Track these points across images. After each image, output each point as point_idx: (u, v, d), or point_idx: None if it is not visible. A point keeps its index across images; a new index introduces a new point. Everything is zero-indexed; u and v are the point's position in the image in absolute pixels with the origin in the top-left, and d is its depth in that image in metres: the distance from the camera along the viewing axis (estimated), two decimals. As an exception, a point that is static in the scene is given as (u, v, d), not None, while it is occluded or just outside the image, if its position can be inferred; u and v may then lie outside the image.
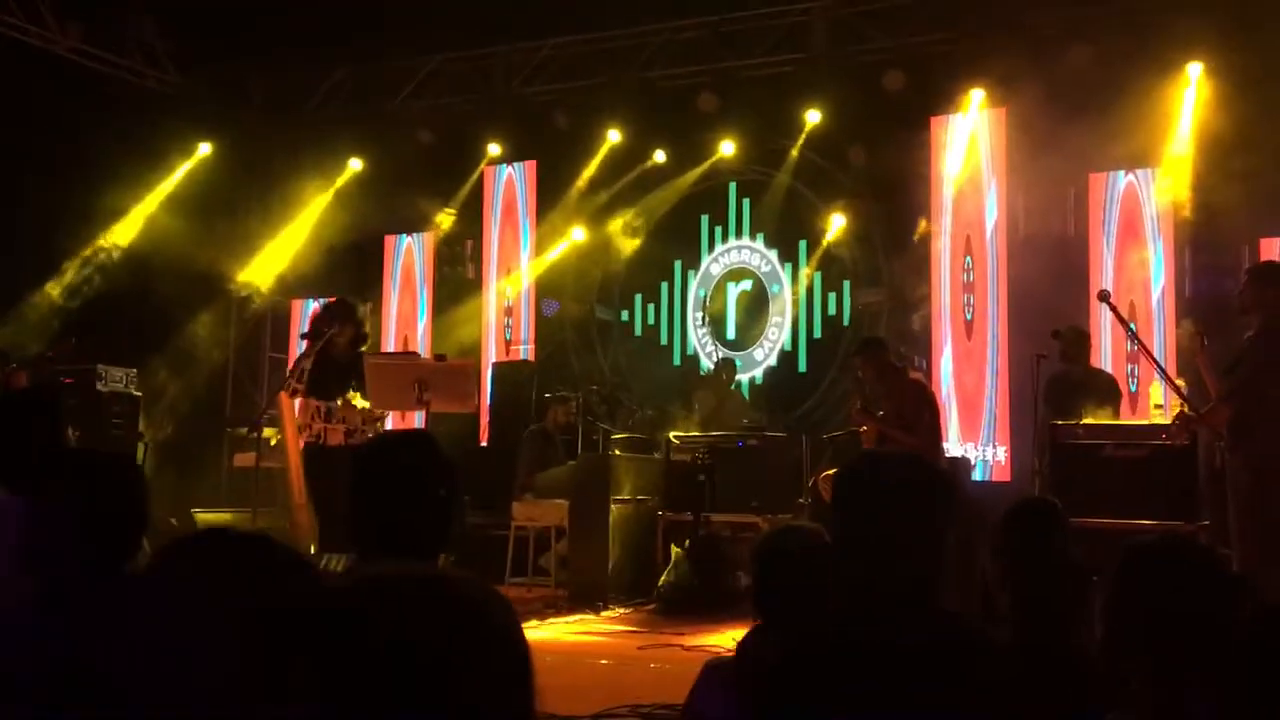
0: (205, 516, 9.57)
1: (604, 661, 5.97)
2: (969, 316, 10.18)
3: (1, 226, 10.12)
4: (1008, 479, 9.55)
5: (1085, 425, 6.91)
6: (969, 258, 10.21)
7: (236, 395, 12.43)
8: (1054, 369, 7.67)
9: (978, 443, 9.89)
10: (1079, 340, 7.80)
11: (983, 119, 10.14)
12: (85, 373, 9.44)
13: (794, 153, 10.89)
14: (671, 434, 8.14)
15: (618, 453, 8.21)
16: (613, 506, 7.78)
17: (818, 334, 11.25)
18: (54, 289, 10.77)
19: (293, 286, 12.19)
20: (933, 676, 2.08)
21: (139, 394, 9.83)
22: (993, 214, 10.12)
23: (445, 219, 11.75)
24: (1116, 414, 7.47)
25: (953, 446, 9.60)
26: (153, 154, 11.28)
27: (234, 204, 12.24)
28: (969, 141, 10.19)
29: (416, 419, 11.22)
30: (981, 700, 2.11)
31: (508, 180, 12.00)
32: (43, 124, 10.13)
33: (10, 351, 8.03)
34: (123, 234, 11.34)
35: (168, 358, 11.38)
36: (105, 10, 10.69)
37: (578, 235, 11.57)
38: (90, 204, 10.83)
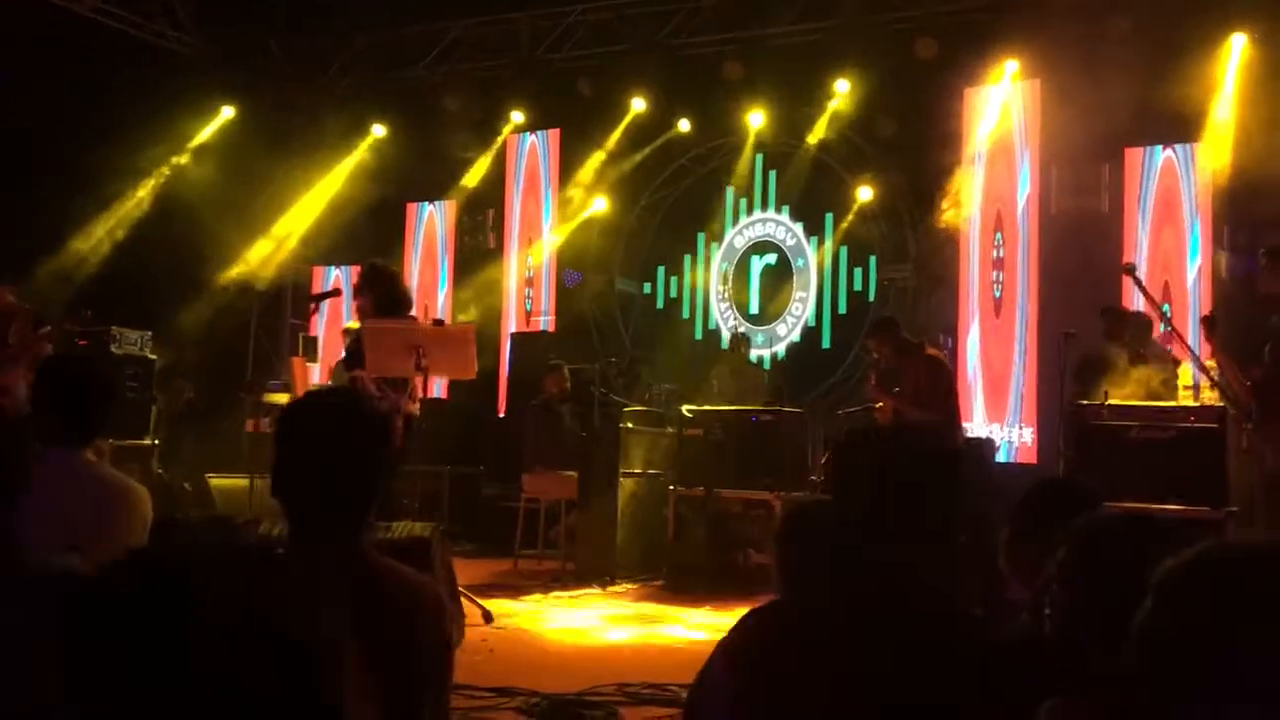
0: (219, 482, 9.52)
1: (607, 638, 5.83)
2: (998, 294, 9.92)
3: (24, 188, 10.09)
4: (1034, 460, 9.31)
5: (1110, 406, 6.67)
6: (999, 234, 9.94)
7: (258, 361, 12.38)
8: (1087, 347, 7.43)
9: (1004, 423, 9.65)
10: (1113, 319, 7.55)
11: (1016, 91, 9.85)
12: (100, 334, 9.38)
13: (822, 123, 10.63)
14: (684, 408, 7.96)
15: (630, 425, 8.05)
16: (622, 480, 7.63)
17: (843, 309, 11.04)
18: (77, 250, 10.73)
19: (314, 253, 12.11)
20: (920, 668, 1.95)
21: (154, 357, 9.76)
22: (1025, 189, 9.84)
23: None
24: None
25: (978, 427, 9.38)
26: (175, 116, 11.22)
27: (256, 168, 12.13)
28: (1001, 114, 9.90)
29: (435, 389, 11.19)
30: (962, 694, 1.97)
31: (531, 148, 11.83)
32: (65, 84, 10.07)
33: (40, 313, 7.95)
34: (145, 196, 11.29)
35: (188, 321, 11.33)
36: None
37: (600, 205, 11.39)
38: (113, 165, 10.76)
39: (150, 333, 9.91)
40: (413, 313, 6.51)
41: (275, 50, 12.22)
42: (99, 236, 10.86)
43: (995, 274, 9.92)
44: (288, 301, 12.52)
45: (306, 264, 12.26)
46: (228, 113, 11.80)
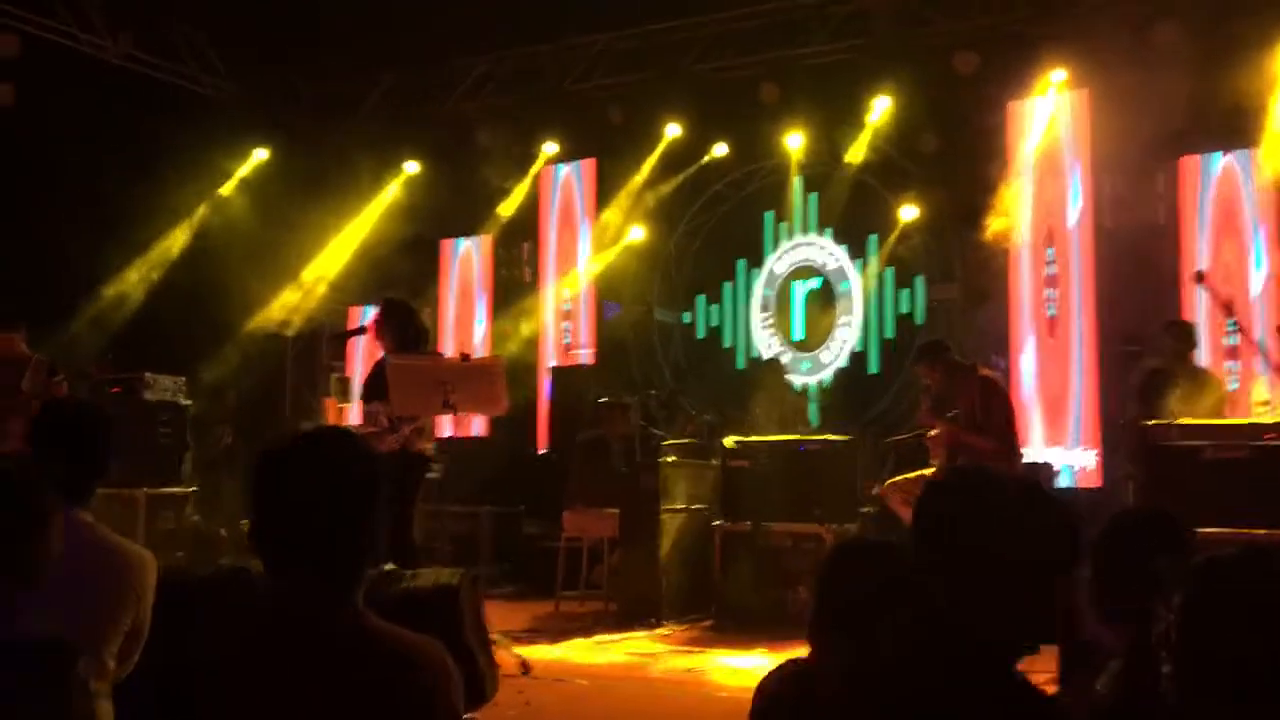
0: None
1: (653, 685, 5.52)
2: (1052, 312, 9.54)
3: (55, 234, 10.04)
4: (1098, 484, 8.90)
5: (1180, 425, 6.29)
6: (1051, 249, 9.57)
7: (295, 404, 12.23)
8: (1149, 364, 7.08)
9: (1064, 446, 9.24)
10: (1182, 334, 7.19)
11: (1063, 102, 9.51)
12: (132, 381, 9.27)
13: (862, 143, 10.34)
14: (727, 439, 7.66)
15: (671, 459, 7.75)
16: (665, 516, 7.33)
17: (890, 333, 10.71)
18: (111, 295, 10.66)
19: (349, 293, 11.97)
20: None
21: (188, 403, 9.63)
22: (1076, 203, 9.47)
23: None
24: (1219, 413, 6.82)
25: (1036, 451, 8.99)
26: (209, 159, 11.16)
27: (289, 209, 12.05)
28: (1048, 126, 9.56)
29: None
30: None
31: (565, 179, 11.65)
32: (100, 131, 10.04)
33: (55, 364, 7.83)
34: (179, 240, 11.23)
35: (223, 366, 11.22)
36: (155, 17, 10.57)
37: (636, 234, 11.17)
38: (148, 209, 10.72)
39: (184, 379, 9.79)
40: (431, 348, 6.32)
41: (306, 91, 12.17)
42: (133, 281, 10.79)
43: (1048, 291, 9.55)
44: (322, 343, 12.37)
45: (342, 304, 12.12)
46: (261, 155, 11.73)
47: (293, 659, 1.80)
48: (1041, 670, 5.52)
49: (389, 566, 4.50)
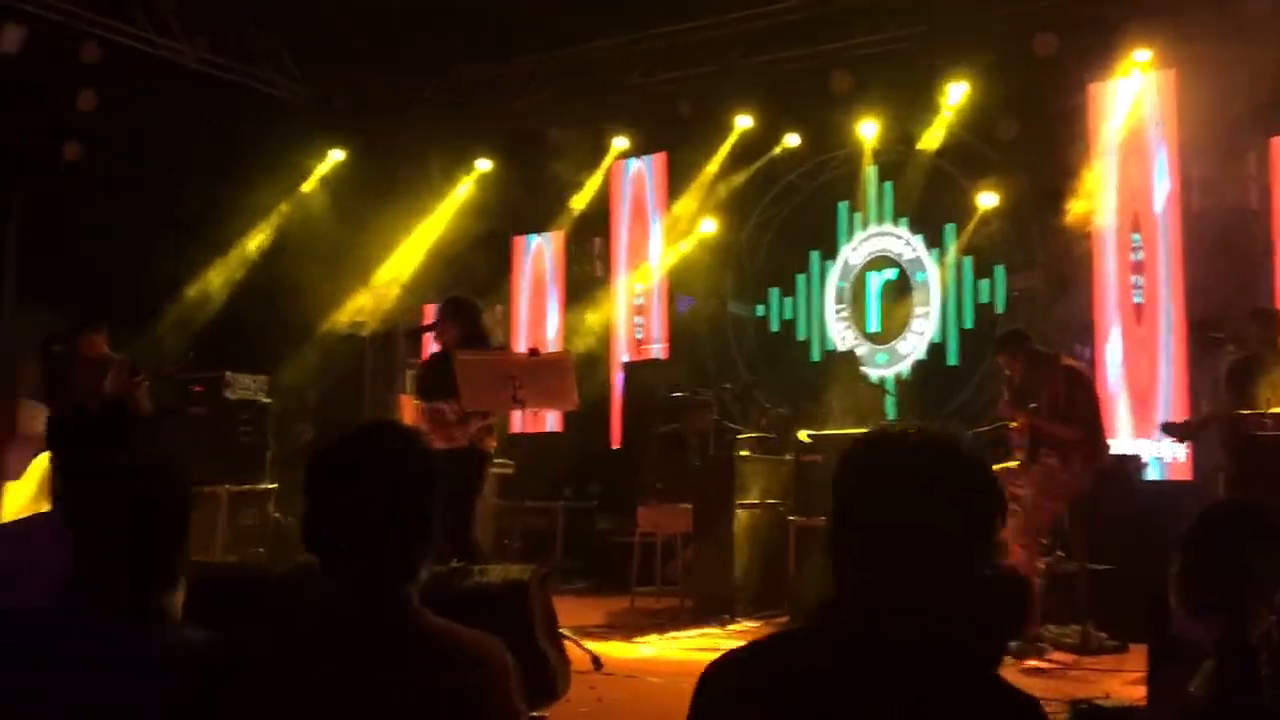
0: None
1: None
2: (1138, 299, 9.24)
3: (138, 237, 10.27)
4: (1189, 477, 8.60)
5: (1273, 415, 6.03)
6: (1136, 235, 9.27)
7: (373, 401, 12.36)
8: (1239, 352, 6.81)
9: (1153, 437, 8.94)
10: (1268, 321, 6.91)
11: (1148, 82, 9.20)
12: (213, 380, 9.43)
13: (937, 129, 10.12)
14: (801, 433, 7.54)
15: (744, 454, 7.66)
16: (739, 512, 7.24)
17: (969, 323, 10.48)
18: (193, 297, 10.87)
19: (424, 291, 12.05)
20: None
21: (268, 401, 9.77)
22: (1162, 186, 9.16)
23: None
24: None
25: (1123, 442, 8.71)
26: (286, 161, 11.31)
27: (364, 209, 12.19)
28: (1132, 108, 9.26)
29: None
30: None
31: (636, 174, 11.60)
32: (176, 135, 10.24)
33: (137, 364, 7.99)
34: (258, 242, 11.41)
35: (303, 364, 11.38)
36: (230, 21, 10.74)
37: (708, 227, 11.08)
38: (227, 212, 10.92)
39: (264, 377, 9.94)
40: (495, 347, 6.30)
41: (378, 91, 12.27)
42: (213, 283, 10.98)
43: (1134, 278, 9.25)
44: (398, 340, 12.48)
45: (417, 303, 12.21)
46: (336, 155, 11.87)
47: (345, 656, 1.77)
48: (1131, 669, 5.31)
49: (456, 563, 4.49)
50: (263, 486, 9.19)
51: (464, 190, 11.91)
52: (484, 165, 11.85)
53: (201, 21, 10.59)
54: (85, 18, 9.66)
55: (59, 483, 2.59)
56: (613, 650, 6.00)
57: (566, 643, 5.35)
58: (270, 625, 1.93)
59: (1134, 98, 9.21)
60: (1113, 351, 9.21)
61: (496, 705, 1.84)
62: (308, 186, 11.75)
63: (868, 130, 10.39)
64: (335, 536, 1.82)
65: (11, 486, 5.77)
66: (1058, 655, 6.03)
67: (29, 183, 9.72)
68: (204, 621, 2.05)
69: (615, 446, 10.69)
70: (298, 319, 11.32)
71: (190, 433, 9.32)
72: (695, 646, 6.37)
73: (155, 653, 1.87)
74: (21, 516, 3.98)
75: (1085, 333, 9.31)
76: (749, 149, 10.89)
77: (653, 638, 6.60)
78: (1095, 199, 9.22)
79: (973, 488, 1.56)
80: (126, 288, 10.05)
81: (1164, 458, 8.89)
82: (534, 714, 4.27)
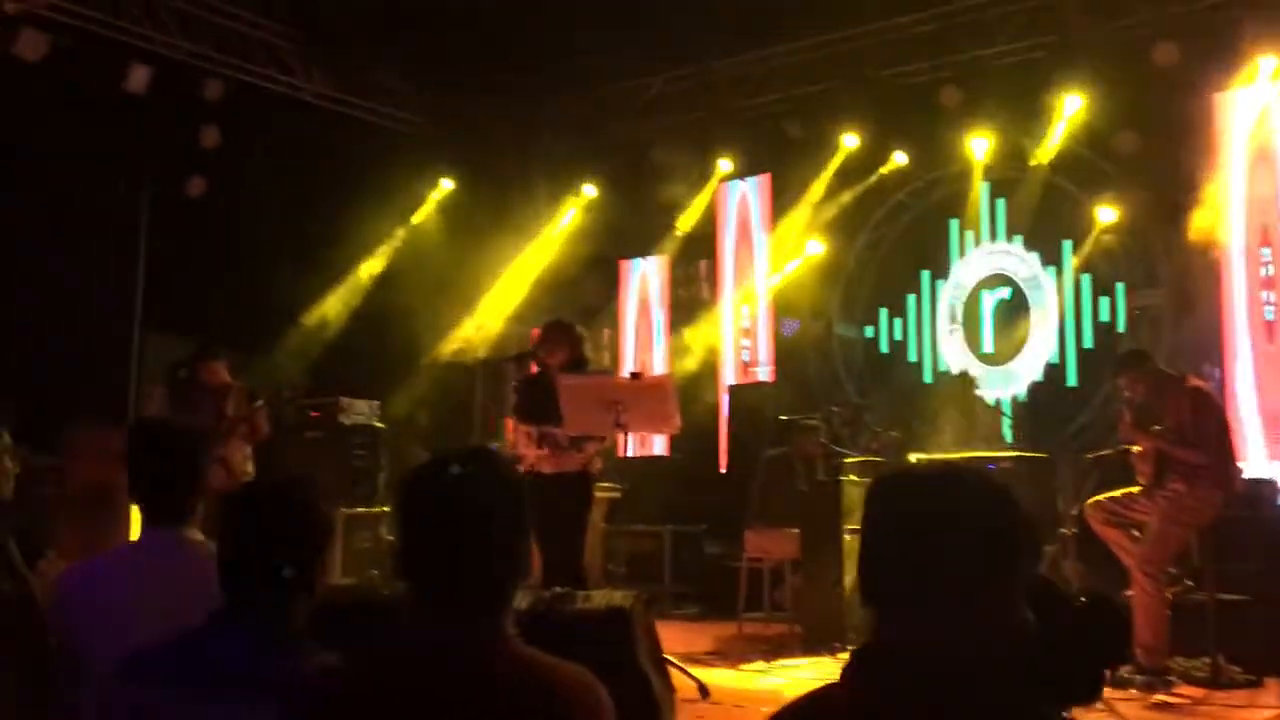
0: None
1: None
2: (1269, 316, 8.84)
3: (258, 266, 10.60)
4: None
5: None
6: (1266, 249, 8.88)
7: (484, 424, 12.52)
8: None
9: (1286, 461, 8.52)
10: None
11: (1275, 91, 8.81)
12: (329, 406, 9.67)
13: (1053, 144, 9.85)
14: (910, 456, 7.37)
15: (852, 478, 7.51)
16: (847, 537, 7.09)
17: (1088, 343, 10.15)
18: (308, 323, 11.16)
19: (532, 315, 12.18)
20: None
21: (381, 425, 9.97)
22: (1293, 199, 8.76)
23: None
24: None
25: (1256, 467, 8.31)
26: (398, 191, 11.58)
27: (474, 236, 12.39)
28: (1259, 118, 8.88)
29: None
30: None
31: (740, 196, 11.55)
32: (295, 166, 10.56)
33: (256, 390, 8.23)
34: (371, 269, 11.67)
35: (416, 388, 11.58)
36: (347, 58, 11.04)
37: (815, 248, 10.96)
38: (342, 241, 11.20)
39: (377, 402, 10.15)
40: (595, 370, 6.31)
41: (487, 120, 12.48)
42: (330, 310, 11.26)
43: (1265, 293, 8.84)
44: (506, 365, 12.62)
45: (525, 327, 12.35)
46: (447, 184, 12.10)
47: (431, 686, 1.76)
48: (1265, 704, 5.02)
49: (562, 589, 4.48)
50: (377, 509, 9.35)
51: (570, 216, 12.01)
52: (590, 191, 11.94)
53: (319, 57, 10.91)
54: (208, 57, 10.05)
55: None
56: (720, 678, 5.92)
57: (673, 670, 5.30)
58: (367, 652, 1.94)
59: (1260, 107, 8.83)
60: (1242, 371, 8.81)
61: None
62: (420, 215, 12.00)
63: (979, 146, 10.16)
64: (424, 564, 1.81)
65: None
66: (1186, 689, 5.75)
67: (156, 216, 10.11)
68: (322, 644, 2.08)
69: (722, 470, 10.62)
70: (410, 345, 11.55)
71: (307, 456, 9.57)
72: (804, 676, 6.25)
73: (295, 675, 1.90)
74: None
75: (1212, 352, 8.92)
76: (856, 168, 10.76)
77: (760, 664, 6.51)
78: (1220, 213, 8.86)
79: (998, 524, 1.54)
80: (248, 315, 10.39)
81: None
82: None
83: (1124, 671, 5.68)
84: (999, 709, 1.50)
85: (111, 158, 9.48)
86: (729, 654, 6.90)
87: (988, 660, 1.50)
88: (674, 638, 7.29)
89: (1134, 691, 5.57)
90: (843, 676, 1.60)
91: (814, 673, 6.35)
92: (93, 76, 9.06)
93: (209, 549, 2.73)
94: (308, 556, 2.08)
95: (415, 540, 1.82)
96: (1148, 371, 6.27)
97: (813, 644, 6.95)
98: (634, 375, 5.58)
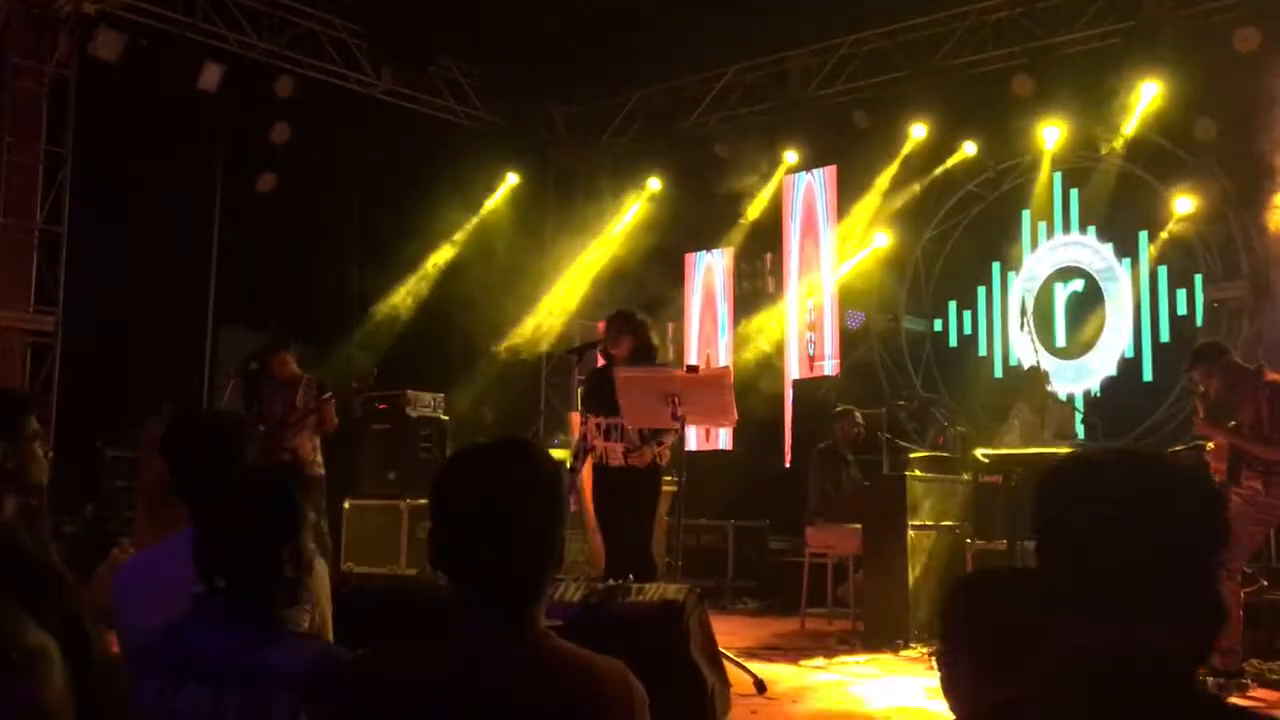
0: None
1: (889, 711, 5.25)
2: (1356, 309, 8.53)
3: (328, 260, 10.77)
4: None
5: None
6: (1353, 240, 8.57)
7: (549, 419, 12.59)
8: None
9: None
10: None
11: (1362, 74, 8.49)
12: (396, 398, 9.79)
13: (1128, 132, 9.61)
14: (978, 451, 7.24)
15: (917, 473, 7.41)
16: (911, 533, 6.99)
17: (1165, 337, 9.88)
18: (377, 317, 11.29)
19: (598, 309, 12.21)
20: None
21: (446, 418, 10.07)
22: (1382, 186, 8.43)
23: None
24: None
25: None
26: (465, 186, 11.66)
27: (541, 230, 12.46)
28: (1346, 102, 8.56)
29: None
30: None
31: (806, 188, 11.45)
32: (368, 162, 10.71)
33: (325, 382, 8.35)
34: (439, 264, 11.77)
35: (482, 382, 11.68)
36: (413, 53, 11.14)
37: (881, 240, 10.82)
38: (411, 236, 11.32)
39: (442, 395, 10.26)
40: (664, 362, 6.28)
41: (553, 116, 12.53)
42: (398, 304, 11.39)
43: (1351, 286, 8.54)
44: (575, 361, 12.66)
45: (591, 320, 12.38)
46: (513, 179, 12.16)
47: (463, 678, 1.75)
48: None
49: (614, 582, 4.47)
50: (441, 501, 9.40)
51: (636, 209, 12.01)
52: (655, 185, 11.92)
53: (387, 54, 11.02)
54: (279, 54, 10.22)
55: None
56: (778, 674, 5.88)
57: (730, 664, 5.27)
58: (404, 642, 1.95)
59: (1348, 91, 8.52)
60: (1328, 366, 8.50)
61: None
62: (487, 210, 12.07)
63: (1050, 135, 9.95)
64: (453, 555, 1.81)
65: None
66: (1261, 692, 5.58)
67: (229, 212, 10.32)
68: (381, 632, 2.07)
69: (787, 465, 10.54)
70: (477, 339, 11.65)
71: (374, 448, 9.70)
72: (865, 673, 6.18)
73: (278, 665, 1.91)
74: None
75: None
76: (924, 159, 10.60)
77: (820, 660, 6.44)
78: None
79: (1199, 511, 1.44)
80: (320, 309, 10.56)
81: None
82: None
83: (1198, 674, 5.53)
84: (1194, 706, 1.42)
85: (185, 155, 9.69)
86: (789, 649, 6.84)
87: (1186, 659, 1.44)
88: (735, 632, 7.28)
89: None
90: (1036, 688, 1.49)
91: (874, 669, 6.27)
92: (167, 75, 9.26)
93: None
94: (278, 545, 2.07)
95: (445, 530, 1.82)
96: (1223, 365, 6.09)
97: (875, 640, 6.87)
98: (691, 369, 5.55)
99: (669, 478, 6.69)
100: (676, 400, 5.05)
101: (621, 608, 4.23)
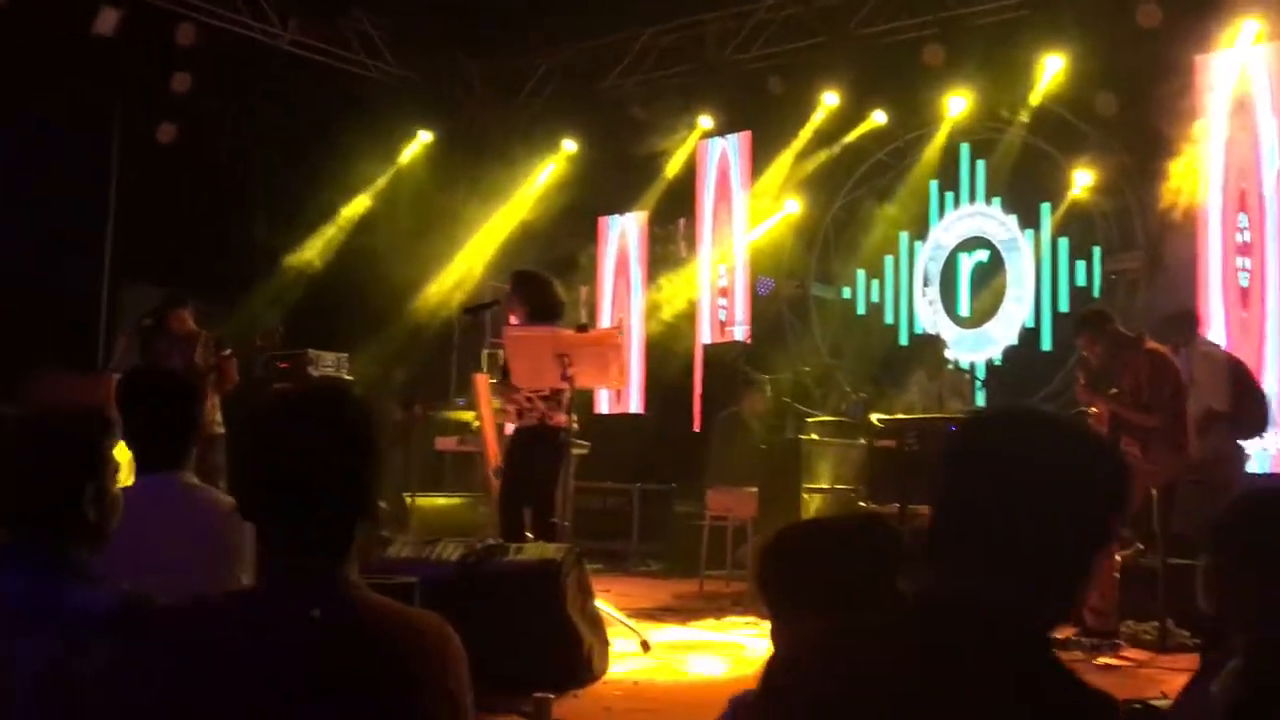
0: (422, 501, 9.55)
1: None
2: (1244, 282, 8.78)
3: (231, 215, 10.53)
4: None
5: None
6: (1243, 215, 8.80)
7: (461, 381, 12.48)
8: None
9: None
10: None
11: (1256, 55, 8.70)
12: (298, 357, 9.63)
13: (1032, 104, 9.74)
14: (874, 416, 7.35)
15: (813, 437, 7.49)
16: (806, 497, 7.08)
17: (1064, 307, 10.10)
18: (281, 274, 11.08)
19: (509, 270, 12.11)
20: None
21: (350, 378, 9.94)
22: (1272, 164, 8.66)
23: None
24: None
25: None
26: (375, 142, 11.45)
27: (453, 190, 12.29)
28: (1239, 81, 8.77)
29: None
30: None
31: (721, 154, 11.45)
32: (273, 115, 10.47)
33: (223, 339, 8.19)
34: (346, 221, 11.58)
35: (391, 343, 11.54)
36: (323, 4, 10.90)
37: (792, 207, 10.87)
38: (317, 191, 11.12)
39: (346, 355, 10.11)
40: (585, 322, 6.25)
41: (467, 74, 12.35)
42: (305, 261, 11.20)
43: (1240, 260, 8.78)
44: (487, 321, 12.57)
45: (503, 282, 12.28)
46: (425, 137, 11.99)
47: (268, 632, 1.72)
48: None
49: (490, 542, 4.46)
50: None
51: (551, 170, 11.91)
52: (570, 147, 11.83)
53: (294, 4, 10.76)
54: (183, 2, 9.91)
55: None
56: (666, 634, 5.93)
57: (619, 625, 5.31)
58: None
59: (1241, 71, 8.72)
60: (1216, 337, 8.76)
61: (433, 686, 1.77)
62: (397, 168, 11.89)
63: (958, 106, 10.05)
64: (261, 506, 1.77)
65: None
66: (1132, 652, 5.76)
67: (127, 164, 10.02)
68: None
69: (696, 429, 10.60)
70: (386, 299, 11.49)
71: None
72: (752, 633, 6.26)
73: (78, 608, 1.86)
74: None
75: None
76: (836, 127, 10.65)
77: (709, 622, 6.51)
78: (1199, 177, 8.77)
79: (1103, 473, 1.45)
80: (225, 263, 10.33)
81: (1269, 450, 8.43)
82: (571, 693, 4.23)
83: (1070, 634, 5.69)
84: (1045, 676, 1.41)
85: (79, 103, 9.38)
86: (683, 611, 6.91)
87: (1036, 614, 1.42)
88: (634, 594, 7.34)
89: (1079, 654, 5.58)
90: (892, 629, 1.47)
91: (759, 630, 6.35)
92: (59, 18, 8.93)
93: (206, 493, 2.72)
94: (71, 489, 2.03)
95: (248, 482, 1.78)
96: (1106, 333, 6.24)
97: (768, 602, 6.94)
98: (580, 328, 5.51)
99: (580, 440, 6.63)
100: (567, 360, 5.02)
101: (499, 566, 4.22)
